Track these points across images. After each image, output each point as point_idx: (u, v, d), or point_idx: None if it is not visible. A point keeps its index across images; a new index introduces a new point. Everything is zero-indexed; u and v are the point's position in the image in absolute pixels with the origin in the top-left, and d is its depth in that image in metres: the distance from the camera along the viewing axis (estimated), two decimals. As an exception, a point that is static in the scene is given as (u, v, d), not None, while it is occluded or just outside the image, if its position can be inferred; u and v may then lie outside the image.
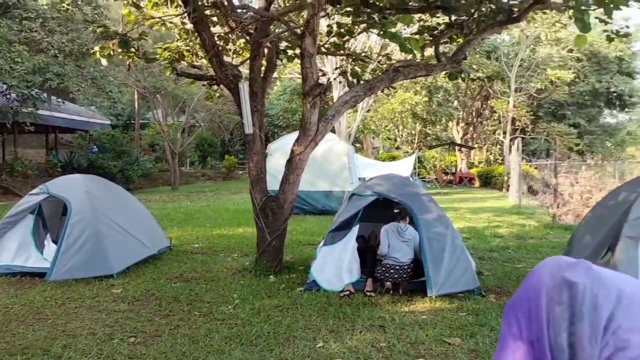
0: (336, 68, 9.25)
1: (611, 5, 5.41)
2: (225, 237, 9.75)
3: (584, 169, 19.64)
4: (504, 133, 28.26)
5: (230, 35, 7.71)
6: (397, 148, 34.45)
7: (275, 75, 22.76)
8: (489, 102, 30.50)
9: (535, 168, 23.86)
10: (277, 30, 7.48)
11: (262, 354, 3.98)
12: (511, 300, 0.83)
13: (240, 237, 9.63)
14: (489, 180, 27.11)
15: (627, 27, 9.45)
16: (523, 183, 19.81)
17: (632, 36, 28.93)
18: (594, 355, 0.71)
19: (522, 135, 28.53)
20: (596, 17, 6.18)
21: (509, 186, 20.67)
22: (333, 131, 19.68)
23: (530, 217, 13.25)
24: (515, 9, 6.56)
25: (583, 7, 5.32)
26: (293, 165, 6.59)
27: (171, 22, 8.24)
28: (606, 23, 6.10)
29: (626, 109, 33.34)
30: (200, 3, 6.35)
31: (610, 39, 6.91)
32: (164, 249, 7.87)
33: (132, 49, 7.36)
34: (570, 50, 27.48)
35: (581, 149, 29.86)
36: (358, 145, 32.16)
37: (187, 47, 8.52)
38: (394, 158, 27.00)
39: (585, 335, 0.72)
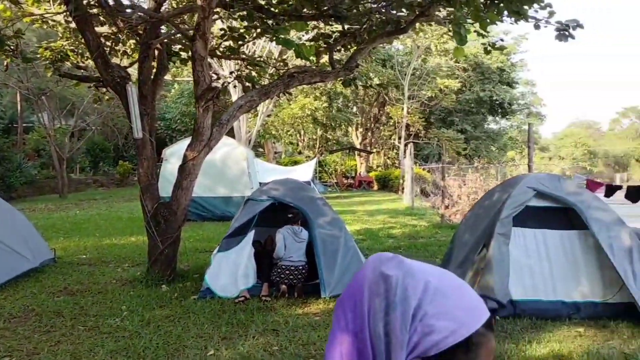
0: (231, 72, 9.17)
1: (487, 20, 5.87)
2: (116, 246, 9.29)
3: (470, 172, 21.04)
4: (399, 138, 29.56)
5: (119, 35, 7.39)
6: (299, 153, 34.80)
7: (172, 77, 22.12)
8: (385, 108, 31.76)
9: (428, 171, 25.23)
10: (168, 32, 7.28)
11: (150, 367, 3.85)
12: (340, 296, 0.88)
13: (133, 246, 9.22)
14: (386, 184, 28.21)
15: (502, 40, 10.31)
16: (416, 186, 20.84)
17: (510, 48, 31.53)
18: (404, 341, 0.78)
19: (416, 141, 30.05)
20: (475, 31, 6.67)
21: (403, 189, 21.63)
22: (232, 136, 19.48)
23: (422, 218, 13.96)
24: (403, 21, 6.90)
25: (460, 22, 5.72)
26: (186, 171, 6.44)
27: (54, 20, 7.75)
28: (483, 36, 6.60)
29: (507, 116, 36.22)
30: (83, 1, 6.03)
31: (487, 52, 7.48)
32: (47, 261, 7.35)
33: (8, 48, 6.82)
34: (457, 61, 29.36)
35: (468, 153, 31.94)
36: (260, 150, 32.08)
37: (72, 47, 8.05)
38: (296, 162, 27.23)
39: (397, 323, 0.79)
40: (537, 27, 5.77)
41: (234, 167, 13.21)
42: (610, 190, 7.82)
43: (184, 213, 6.58)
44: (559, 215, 5.37)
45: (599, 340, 4.40)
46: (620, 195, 7.69)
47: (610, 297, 5.03)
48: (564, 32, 5.60)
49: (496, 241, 5.16)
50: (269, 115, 25.27)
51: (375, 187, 28.76)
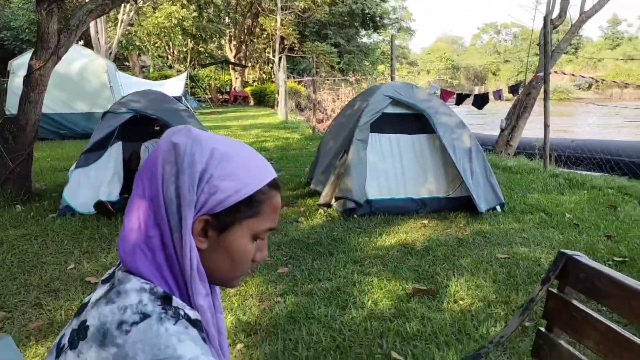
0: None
1: None
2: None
3: (343, 86, 21.54)
4: (274, 51, 29.13)
5: None
6: (170, 67, 32.98)
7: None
8: (258, 19, 30.83)
9: (303, 85, 25.39)
10: None
11: (4, 284, 3.70)
12: (140, 168, 0.94)
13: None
14: (262, 99, 28.04)
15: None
16: (291, 100, 20.98)
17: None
18: (193, 201, 0.87)
19: (290, 54, 29.80)
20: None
21: (278, 103, 21.67)
22: (91, 47, 17.88)
23: (295, 131, 14.24)
24: None
25: None
26: (33, 82, 5.89)
27: None
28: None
29: (378, 30, 37.06)
30: None
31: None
32: None
33: None
34: (330, -28, 29.00)
35: (342, 67, 32.51)
36: (126, 64, 29.86)
37: None
38: (166, 77, 25.87)
39: (185, 186, 0.87)
40: None
41: (93, 81, 12.27)
42: (460, 98, 8.55)
43: (34, 129, 6.09)
44: (412, 120, 5.80)
45: (439, 229, 4.99)
46: (471, 108, 8.42)
47: (451, 192, 5.66)
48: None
49: (355, 146, 5.48)
50: (131, 25, 23.37)
51: (252, 103, 28.49)
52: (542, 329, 1.48)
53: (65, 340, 0.85)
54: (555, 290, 1.45)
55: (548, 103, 7.67)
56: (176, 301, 0.87)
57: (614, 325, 1.24)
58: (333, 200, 5.57)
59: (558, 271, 1.42)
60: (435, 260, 4.14)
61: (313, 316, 3.16)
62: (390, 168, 5.66)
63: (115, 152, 5.82)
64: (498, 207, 5.53)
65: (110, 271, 0.95)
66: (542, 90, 8.07)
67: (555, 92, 30.04)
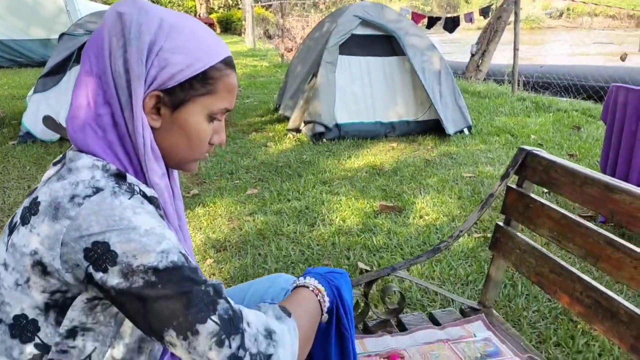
0: None
1: None
2: None
3: (313, 12, 20.87)
4: (240, -24, 27.82)
5: None
6: (130, -8, 31.23)
7: None
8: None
9: (271, 12, 24.50)
10: None
11: (-35, 210, 3.62)
12: (86, 44, 0.89)
13: None
14: (229, 26, 27.03)
15: None
16: (259, 27, 20.31)
17: None
18: (142, 74, 0.83)
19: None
20: None
21: (245, 30, 20.98)
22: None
23: (264, 59, 13.90)
24: None
25: None
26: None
27: None
28: None
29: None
30: None
31: None
32: None
33: None
34: None
35: (312, -7, 31.37)
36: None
37: None
38: (126, 3, 24.52)
39: (133, 58, 0.83)
40: None
41: (48, 5, 11.58)
42: (432, 21, 8.39)
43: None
44: (382, 42, 5.69)
45: (407, 151, 5.04)
46: (441, 37, 8.29)
47: (420, 116, 5.68)
48: None
49: (323, 69, 5.38)
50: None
51: (218, 30, 27.48)
52: (500, 223, 1.53)
53: (17, 218, 0.84)
54: (514, 186, 1.49)
55: (518, 26, 7.61)
56: (130, 178, 0.85)
57: (566, 212, 1.29)
58: (302, 124, 5.53)
59: (517, 166, 1.45)
60: (403, 180, 4.20)
61: (282, 233, 3.21)
62: (359, 91, 5.61)
63: (74, 76, 5.58)
64: (466, 130, 5.59)
65: (61, 155, 0.92)
66: (512, 13, 7.98)
67: (526, 20, 29.82)
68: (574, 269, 1.25)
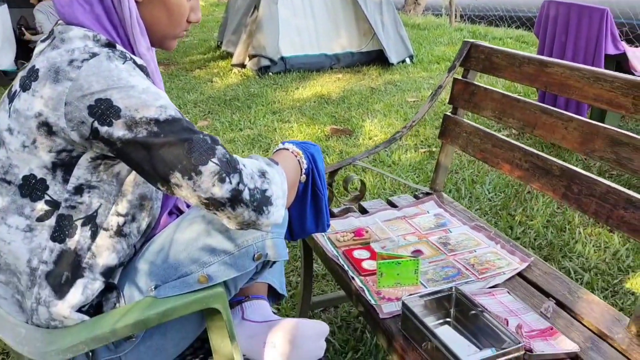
0: None
1: None
2: None
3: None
4: None
5: None
6: None
7: None
8: None
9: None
10: None
11: None
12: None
13: None
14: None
15: None
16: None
17: None
18: None
19: None
20: None
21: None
22: None
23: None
24: None
25: None
26: None
27: None
28: None
29: None
30: None
31: None
32: None
33: None
34: None
35: None
36: None
37: None
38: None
39: None
40: None
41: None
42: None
43: None
44: (322, -27, 5.66)
45: (353, 81, 5.14)
46: None
47: (364, 47, 5.76)
48: None
49: (265, 1, 5.32)
50: None
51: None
52: (448, 113, 1.68)
53: (16, 87, 0.88)
54: (459, 77, 1.63)
55: (455, -43, 7.70)
56: (120, 47, 0.91)
57: (506, 92, 1.44)
58: (247, 59, 5.50)
59: (462, 58, 1.59)
60: (351, 106, 4.32)
61: (238, 158, 3.28)
62: (302, 24, 5.60)
63: (1, 17, 5.28)
64: (407, 59, 5.73)
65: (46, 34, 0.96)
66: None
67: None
68: (512, 140, 1.43)
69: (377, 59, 5.72)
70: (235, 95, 4.72)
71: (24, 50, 5.45)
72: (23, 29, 5.54)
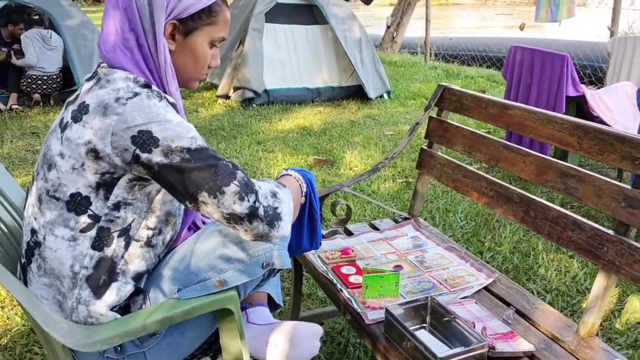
0: None
1: None
2: None
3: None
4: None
5: None
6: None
7: None
8: None
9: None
10: None
11: None
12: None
13: None
14: None
15: None
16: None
17: None
18: (163, 5, 1.06)
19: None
20: None
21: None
22: None
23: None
24: None
25: None
26: None
27: None
28: None
29: None
30: None
31: None
32: None
33: None
34: None
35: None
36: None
37: None
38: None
39: None
40: None
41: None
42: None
43: None
44: (305, 11, 5.96)
45: (334, 114, 5.39)
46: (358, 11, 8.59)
47: (344, 82, 6.03)
48: None
49: (250, 36, 5.57)
50: None
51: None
52: (424, 146, 1.89)
53: (68, 118, 1.05)
54: (435, 115, 1.85)
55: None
56: (155, 88, 1.09)
57: (474, 130, 1.66)
58: (231, 91, 5.71)
59: (437, 99, 1.81)
60: (332, 138, 4.54)
61: (225, 185, 3.44)
62: (285, 58, 5.86)
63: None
64: (385, 95, 6.02)
65: (90, 74, 1.14)
66: (424, -13, 8.48)
67: (436, -4, 31.07)
68: (480, 172, 1.64)
69: (357, 93, 5.99)
70: (220, 125, 4.90)
71: (14, 76, 5.56)
72: (11, 52, 5.66)
